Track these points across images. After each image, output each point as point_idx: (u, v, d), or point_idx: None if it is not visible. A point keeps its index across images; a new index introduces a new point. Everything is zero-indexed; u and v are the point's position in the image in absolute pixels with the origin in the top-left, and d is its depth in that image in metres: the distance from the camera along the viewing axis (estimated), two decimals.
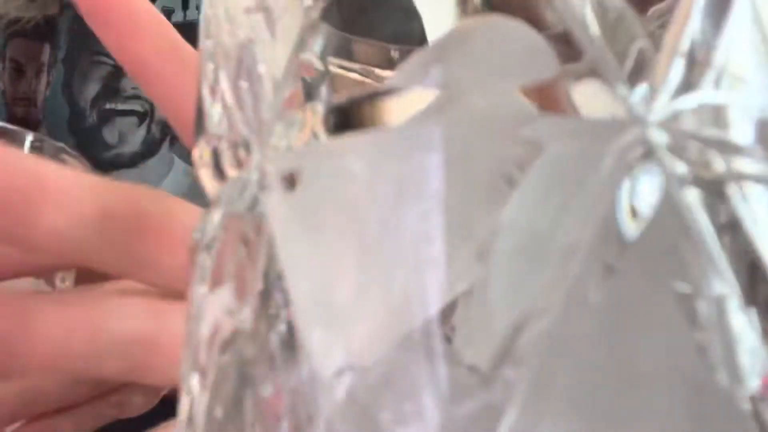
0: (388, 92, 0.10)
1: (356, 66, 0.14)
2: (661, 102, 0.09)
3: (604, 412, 0.08)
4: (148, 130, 0.62)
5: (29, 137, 0.32)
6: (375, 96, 0.10)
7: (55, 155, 0.32)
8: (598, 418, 0.08)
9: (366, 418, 0.09)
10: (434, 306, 0.09)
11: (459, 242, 0.09)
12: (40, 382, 0.29)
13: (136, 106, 0.65)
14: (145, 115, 0.63)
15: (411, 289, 0.09)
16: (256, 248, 0.11)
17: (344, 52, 0.14)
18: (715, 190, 0.08)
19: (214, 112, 0.13)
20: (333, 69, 0.13)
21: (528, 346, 0.08)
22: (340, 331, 0.09)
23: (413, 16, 0.14)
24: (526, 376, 0.08)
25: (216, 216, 0.12)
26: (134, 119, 0.63)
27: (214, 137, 0.12)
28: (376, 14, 0.16)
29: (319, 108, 0.10)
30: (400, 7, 0.15)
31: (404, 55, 0.14)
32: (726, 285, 0.08)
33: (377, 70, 0.15)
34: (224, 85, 0.12)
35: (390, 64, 0.15)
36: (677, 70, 0.09)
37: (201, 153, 0.13)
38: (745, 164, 0.08)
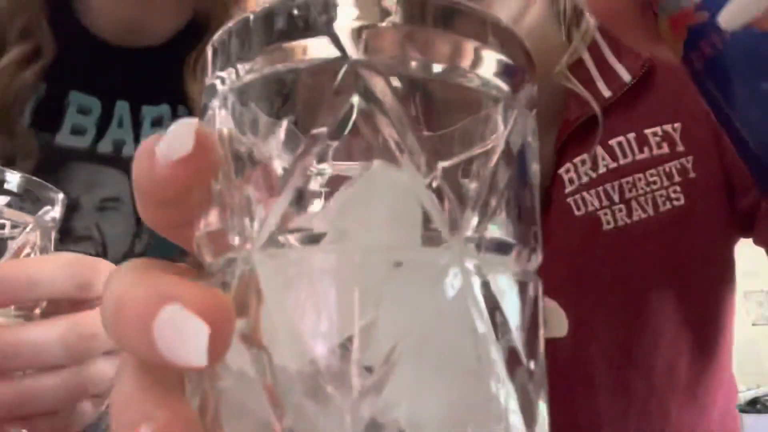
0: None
1: None
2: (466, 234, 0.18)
3: (431, 389, 0.17)
4: None
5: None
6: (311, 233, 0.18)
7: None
8: (428, 394, 0.17)
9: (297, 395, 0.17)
10: (344, 335, 0.17)
11: (354, 305, 0.17)
12: (35, 382, 0.34)
13: (89, 248, 0.62)
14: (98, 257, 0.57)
15: (330, 327, 0.17)
16: (248, 294, 0.19)
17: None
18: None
19: (213, 210, 0.20)
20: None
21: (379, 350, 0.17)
22: (294, 342, 0.18)
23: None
24: (392, 369, 0.16)
25: (213, 280, 0.20)
26: None
27: (213, 227, 0.20)
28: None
29: (291, 237, 0.18)
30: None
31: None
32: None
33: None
34: (224, 193, 0.20)
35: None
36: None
37: (201, 237, 0.21)
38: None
